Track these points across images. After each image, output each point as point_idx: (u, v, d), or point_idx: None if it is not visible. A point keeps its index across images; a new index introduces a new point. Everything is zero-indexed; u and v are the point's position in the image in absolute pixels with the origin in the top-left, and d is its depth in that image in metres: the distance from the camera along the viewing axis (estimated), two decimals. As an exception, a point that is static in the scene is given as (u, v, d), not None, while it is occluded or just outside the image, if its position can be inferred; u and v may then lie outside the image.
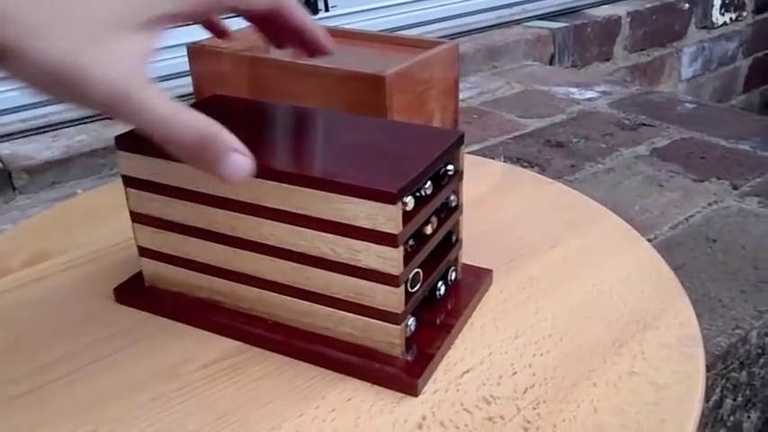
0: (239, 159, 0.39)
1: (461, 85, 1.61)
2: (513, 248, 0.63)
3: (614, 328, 0.52)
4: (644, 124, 1.41)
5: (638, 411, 0.44)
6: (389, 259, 0.44)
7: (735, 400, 0.86)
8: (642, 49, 2.13)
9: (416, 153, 0.47)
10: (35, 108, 1.19)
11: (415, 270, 0.47)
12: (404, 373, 0.46)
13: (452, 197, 0.51)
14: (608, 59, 2.02)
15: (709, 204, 1.08)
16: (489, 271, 0.57)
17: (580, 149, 1.28)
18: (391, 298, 0.45)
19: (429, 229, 0.48)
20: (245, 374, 0.49)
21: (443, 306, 0.52)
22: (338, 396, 0.46)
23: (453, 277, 0.55)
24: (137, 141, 0.49)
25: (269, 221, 0.48)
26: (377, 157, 0.48)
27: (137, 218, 0.54)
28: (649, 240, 0.80)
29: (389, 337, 0.47)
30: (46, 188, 1.06)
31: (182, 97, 1.23)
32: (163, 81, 1.29)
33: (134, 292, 0.57)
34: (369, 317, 0.47)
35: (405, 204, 0.43)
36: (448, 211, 0.51)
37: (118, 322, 0.54)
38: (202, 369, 0.49)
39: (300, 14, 0.47)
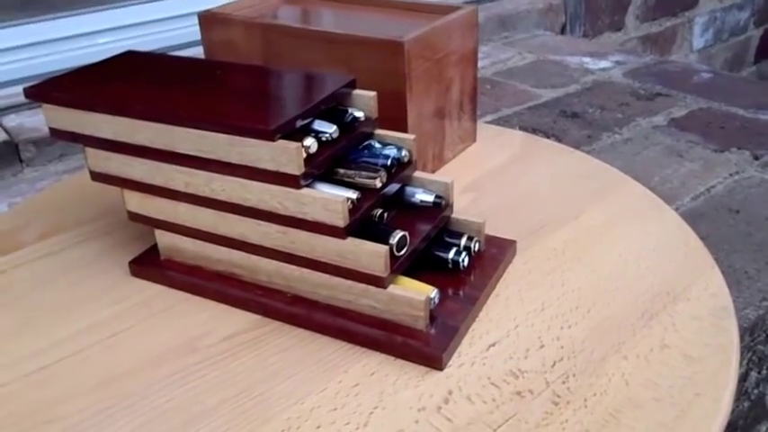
0: None
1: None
2: (535, 219, 0.61)
3: (643, 299, 0.50)
4: (660, 94, 1.38)
5: (671, 385, 0.42)
6: (334, 210, 0.43)
7: (759, 372, 0.85)
8: (654, 19, 2.08)
9: (304, 96, 0.47)
10: (41, 79, 1.19)
11: (401, 233, 0.45)
12: (428, 346, 0.45)
13: (404, 152, 0.49)
14: (619, 29, 1.98)
15: (731, 175, 1.05)
16: (513, 242, 0.55)
17: (596, 120, 1.26)
18: (375, 261, 0.44)
19: (378, 183, 0.46)
20: (267, 348, 0.47)
21: (466, 278, 0.51)
22: (362, 370, 0.45)
23: (477, 248, 0.53)
24: (51, 90, 0.49)
25: (215, 175, 0.46)
26: (265, 100, 0.47)
27: (97, 177, 0.52)
28: (671, 211, 0.81)
29: (413, 310, 0.45)
30: (54, 161, 1.04)
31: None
32: (176, 50, 1.26)
33: (150, 265, 0.55)
34: (358, 281, 0.45)
35: (307, 147, 0.43)
36: (402, 166, 0.49)
37: (134, 295, 0.53)
38: (222, 342, 0.47)
39: None
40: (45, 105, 0.51)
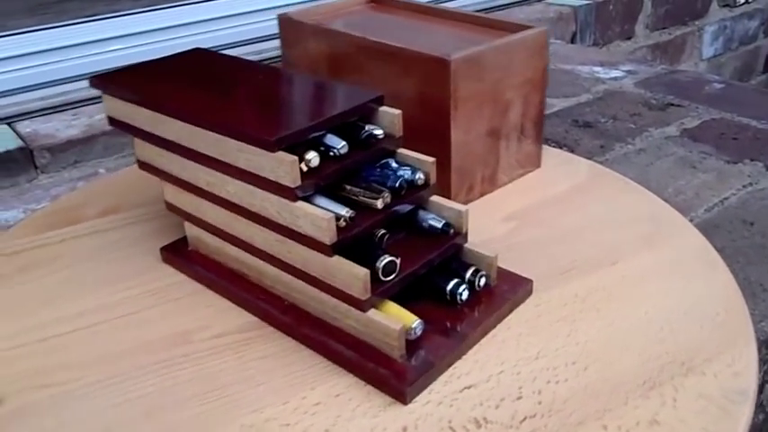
0: None
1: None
2: (569, 258, 0.51)
3: (652, 365, 0.41)
4: (672, 104, 1.28)
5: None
6: (320, 226, 0.38)
7: (775, 387, 0.76)
8: (664, 28, 1.92)
9: (320, 109, 0.43)
10: (54, 86, 1.12)
11: (388, 258, 0.39)
12: (395, 378, 0.39)
13: (418, 174, 0.43)
14: (629, 38, 1.83)
15: (744, 186, 0.98)
16: (528, 281, 0.47)
17: (609, 130, 1.18)
18: (355, 283, 0.38)
19: (380, 203, 0.40)
20: (251, 352, 0.43)
21: (466, 313, 0.44)
22: (328, 390, 0.39)
23: (482, 282, 0.45)
24: (109, 82, 0.49)
25: (228, 178, 0.44)
26: (283, 110, 0.44)
27: (142, 166, 0.51)
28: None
29: (388, 338, 0.39)
30: (68, 167, 0.99)
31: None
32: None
33: (177, 254, 0.52)
34: (341, 300, 0.40)
35: (308, 161, 0.40)
36: (412, 189, 0.43)
37: (155, 281, 0.51)
38: (213, 339, 0.45)
39: None
40: (104, 95, 0.50)
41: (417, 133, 0.56)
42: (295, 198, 0.40)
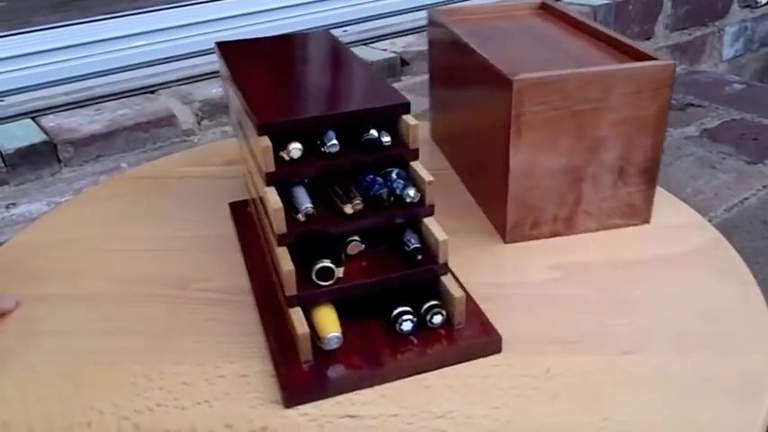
0: None
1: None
2: (581, 332, 0.42)
3: None
4: (692, 104, 1.28)
5: None
6: (271, 215, 0.38)
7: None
8: (683, 28, 1.90)
9: (331, 104, 0.43)
10: (77, 81, 1.09)
11: (324, 264, 0.38)
12: (286, 379, 0.38)
13: (408, 190, 0.40)
14: (648, 38, 1.80)
15: (764, 187, 0.97)
16: (496, 337, 0.41)
17: None
18: (285, 278, 0.37)
19: (348, 209, 0.39)
20: (217, 311, 0.45)
21: (404, 344, 0.40)
22: (241, 368, 0.40)
23: (436, 320, 0.41)
24: (225, 48, 0.52)
25: (250, 154, 0.45)
26: (309, 98, 0.44)
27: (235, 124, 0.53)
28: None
29: (297, 339, 0.38)
30: (91, 161, 0.99)
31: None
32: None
33: (239, 212, 0.54)
34: (280, 290, 0.40)
35: (288, 151, 0.39)
36: (404, 206, 0.40)
37: (208, 230, 0.53)
38: (201, 291, 0.47)
39: None
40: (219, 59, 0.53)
41: (485, 154, 0.54)
42: (267, 183, 0.40)
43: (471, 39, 0.55)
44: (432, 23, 0.63)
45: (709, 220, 0.88)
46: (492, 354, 0.41)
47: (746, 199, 0.94)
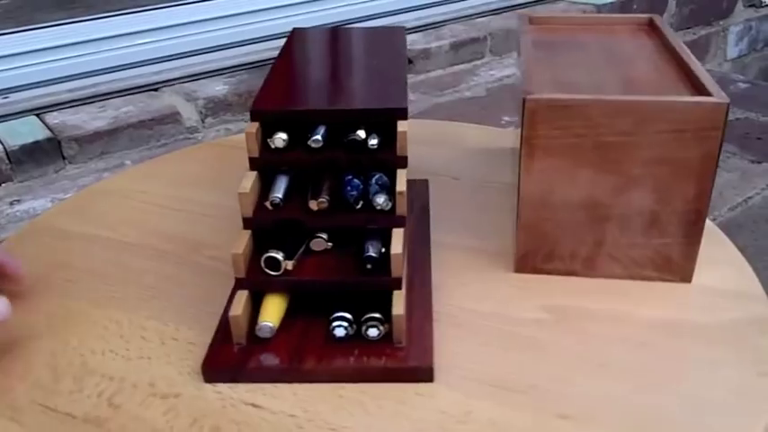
0: None
1: (505, 61, 1.33)
2: (531, 383, 0.38)
3: None
4: None
5: None
6: (240, 191, 0.39)
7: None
8: (688, 27, 1.91)
9: (341, 102, 0.44)
10: (82, 78, 1.09)
11: (270, 254, 0.38)
12: (211, 354, 0.40)
13: (380, 198, 0.39)
14: None
15: None
16: (428, 366, 0.39)
17: None
18: (236, 259, 0.38)
19: (313, 205, 0.39)
20: (211, 280, 0.46)
21: (335, 349, 0.39)
22: (178, 332, 0.42)
23: (371, 334, 0.39)
24: (292, 36, 0.54)
25: None
26: (325, 90, 0.46)
27: None
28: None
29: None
30: (94, 158, 0.99)
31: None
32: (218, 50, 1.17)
33: None
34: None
35: (272, 139, 0.40)
36: (373, 212, 0.39)
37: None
38: (206, 258, 0.49)
39: None
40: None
41: (516, 175, 0.51)
42: (250, 167, 0.41)
43: (537, 49, 0.53)
44: (519, 28, 0.60)
45: (713, 219, 0.89)
46: (421, 381, 0.39)
47: (750, 198, 0.95)
